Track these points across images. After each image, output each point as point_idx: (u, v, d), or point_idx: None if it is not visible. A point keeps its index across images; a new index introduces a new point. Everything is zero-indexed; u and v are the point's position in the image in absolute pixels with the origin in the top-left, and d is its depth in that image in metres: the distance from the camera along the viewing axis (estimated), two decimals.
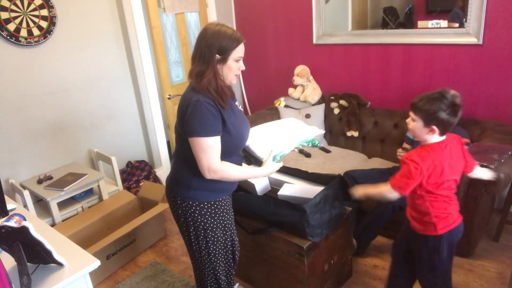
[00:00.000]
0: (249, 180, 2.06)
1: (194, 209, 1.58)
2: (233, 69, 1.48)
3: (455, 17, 2.77)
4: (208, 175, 1.48)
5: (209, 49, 1.43)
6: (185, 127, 1.45)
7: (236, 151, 1.63)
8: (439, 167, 1.54)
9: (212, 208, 1.60)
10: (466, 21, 2.66)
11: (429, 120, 1.52)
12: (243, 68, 1.52)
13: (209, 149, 1.44)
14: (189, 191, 1.57)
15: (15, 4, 2.57)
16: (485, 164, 2.05)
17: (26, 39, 2.63)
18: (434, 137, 1.56)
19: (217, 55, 1.43)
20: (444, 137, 1.58)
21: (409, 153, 1.60)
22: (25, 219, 1.49)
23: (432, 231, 1.62)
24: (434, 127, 1.52)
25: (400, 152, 2.60)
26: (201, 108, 1.41)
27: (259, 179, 2.07)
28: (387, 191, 1.62)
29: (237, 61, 1.48)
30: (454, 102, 1.50)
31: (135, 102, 3.44)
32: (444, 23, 2.81)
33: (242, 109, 1.68)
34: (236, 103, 1.65)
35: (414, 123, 1.58)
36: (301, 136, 1.84)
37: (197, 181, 1.54)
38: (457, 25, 2.75)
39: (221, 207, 1.64)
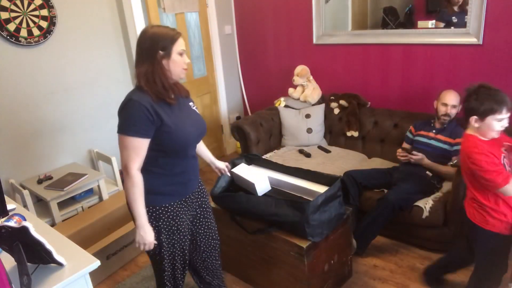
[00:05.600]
0: (249, 180, 2.06)
1: (149, 214, 1.56)
2: (178, 62, 1.51)
3: (443, 16, 2.82)
4: (125, 175, 1.50)
5: (152, 47, 1.47)
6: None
7: (180, 153, 1.59)
8: None
9: (162, 213, 1.59)
10: (466, 20, 2.67)
11: None
12: (188, 61, 1.56)
13: (130, 149, 1.48)
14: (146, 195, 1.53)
15: (15, 4, 2.57)
16: None
17: (26, 39, 2.63)
18: None
19: (160, 52, 1.47)
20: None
21: None
22: (25, 219, 1.49)
23: None
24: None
25: (400, 152, 2.60)
26: (131, 107, 1.47)
27: (259, 178, 2.07)
28: None
29: (181, 54, 1.52)
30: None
31: None
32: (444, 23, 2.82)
33: (197, 112, 1.68)
34: (191, 103, 1.67)
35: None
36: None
37: (149, 182, 1.54)
38: (443, 24, 2.80)
39: (171, 212, 1.60)
